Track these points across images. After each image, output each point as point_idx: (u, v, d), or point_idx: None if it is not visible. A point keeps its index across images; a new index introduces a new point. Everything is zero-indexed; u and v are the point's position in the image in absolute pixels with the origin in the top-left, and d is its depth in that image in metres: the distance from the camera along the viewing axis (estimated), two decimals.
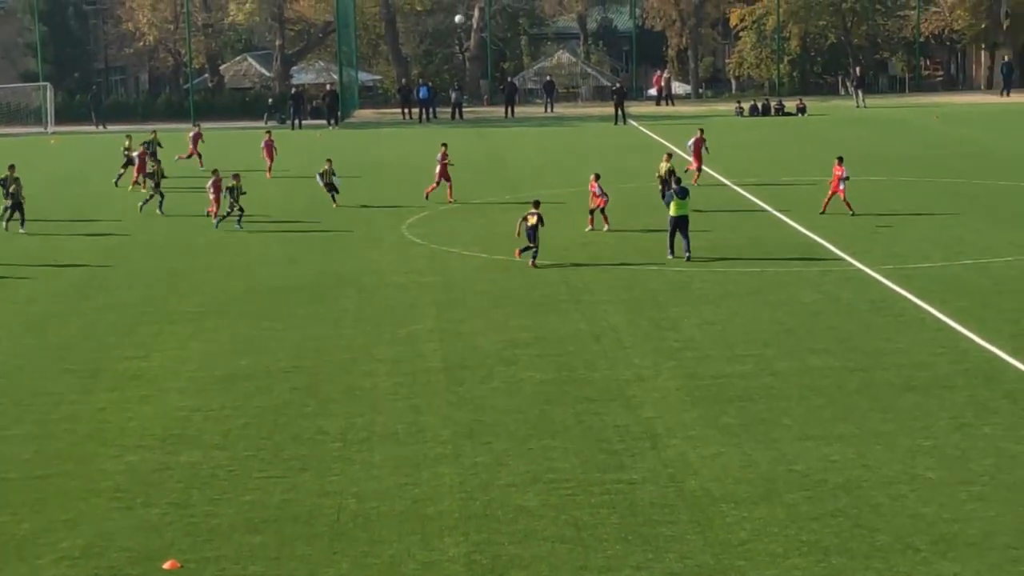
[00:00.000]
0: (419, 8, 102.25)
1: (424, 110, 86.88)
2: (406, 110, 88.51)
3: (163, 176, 49.39)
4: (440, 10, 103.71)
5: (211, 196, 46.29)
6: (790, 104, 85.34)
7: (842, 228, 41.78)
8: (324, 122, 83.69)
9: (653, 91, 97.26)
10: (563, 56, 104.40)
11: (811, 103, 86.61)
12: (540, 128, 79.49)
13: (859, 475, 20.84)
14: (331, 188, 48.56)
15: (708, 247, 38.37)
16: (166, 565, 18.27)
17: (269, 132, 61.35)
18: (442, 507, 20.08)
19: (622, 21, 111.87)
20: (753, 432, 22.98)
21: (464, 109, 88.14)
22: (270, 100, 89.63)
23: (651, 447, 22.41)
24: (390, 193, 52.02)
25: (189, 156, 61.14)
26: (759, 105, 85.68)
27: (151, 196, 48.61)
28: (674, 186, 38.46)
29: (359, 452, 22.64)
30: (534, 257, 37.33)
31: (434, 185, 48.86)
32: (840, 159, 44.15)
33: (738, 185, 51.16)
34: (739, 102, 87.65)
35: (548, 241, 40.32)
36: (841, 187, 43.44)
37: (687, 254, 37.17)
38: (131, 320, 32.73)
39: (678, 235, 37.53)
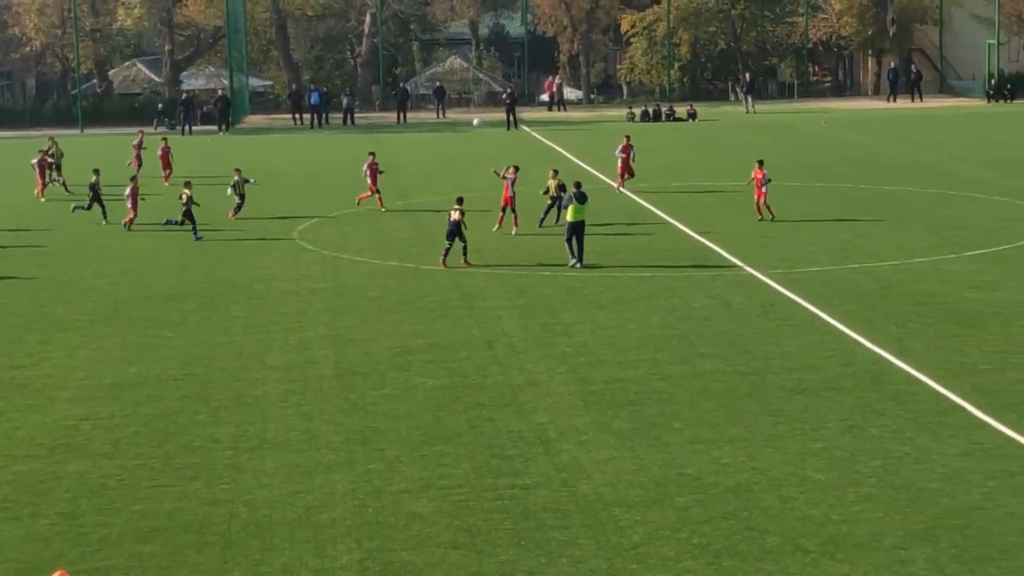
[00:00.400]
0: (310, 13, 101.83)
1: (316, 116, 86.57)
2: (297, 116, 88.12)
3: (59, 181, 48.51)
4: (331, 15, 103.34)
5: (128, 205, 45.61)
6: (681, 110, 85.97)
7: (732, 233, 42.13)
8: (215, 128, 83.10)
9: (545, 97, 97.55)
10: (455, 62, 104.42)
11: (702, 109, 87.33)
12: (432, 134, 79.49)
13: (749, 478, 21.01)
14: (242, 199, 47.44)
15: (600, 252, 38.52)
16: None
17: (165, 139, 60.43)
18: (335, 514, 19.99)
19: (514, 27, 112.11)
20: (645, 436, 23.10)
21: (356, 115, 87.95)
22: (160, 106, 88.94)
23: (544, 452, 22.45)
24: (282, 199, 51.75)
25: (139, 164, 59.04)
26: (650, 111, 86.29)
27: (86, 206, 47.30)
28: (573, 190, 38.09)
29: (251, 460, 22.50)
30: (464, 255, 37.82)
31: (367, 194, 48.21)
32: (760, 162, 44.49)
33: (630, 190, 51.40)
34: (630, 108, 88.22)
35: (439, 249, 40.32)
36: (763, 190, 43.64)
37: (580, 262, 37.00)
38: (18, 329, 32.30)
39: (574, 241, 37.35)
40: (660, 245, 40.66)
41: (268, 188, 54.56)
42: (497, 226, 42.86)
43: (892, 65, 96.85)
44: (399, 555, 18.47)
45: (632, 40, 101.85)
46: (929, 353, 27.74)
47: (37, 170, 53.52)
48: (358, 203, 48.76)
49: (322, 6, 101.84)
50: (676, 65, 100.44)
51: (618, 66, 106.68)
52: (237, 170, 48.39)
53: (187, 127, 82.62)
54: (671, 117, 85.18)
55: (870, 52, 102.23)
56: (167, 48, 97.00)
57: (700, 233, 42.14)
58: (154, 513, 20.23)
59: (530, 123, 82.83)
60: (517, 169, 43.59)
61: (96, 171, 47.74)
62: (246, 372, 27.90)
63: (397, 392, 26.12)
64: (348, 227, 45.44)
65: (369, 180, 48.47)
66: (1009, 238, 40.14)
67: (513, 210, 42.78)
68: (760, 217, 43.76)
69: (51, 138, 59.17)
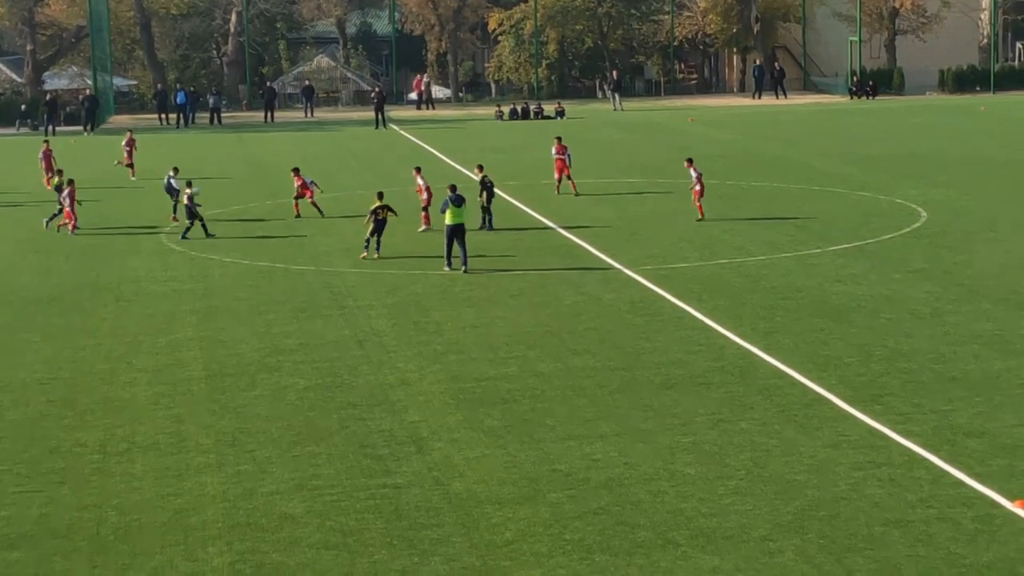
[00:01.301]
0: (175, 12, 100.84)
1: (182, 115, 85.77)
2: (163, 115, 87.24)
3: None
4: (196, 14, 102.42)
5: (67, 207, 44.56)
6: (549, 108, 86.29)
7: (601, 230, 42.37)
8: (79, 128, 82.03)
9: (414, 95, 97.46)
10: (323, 60, 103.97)
11: (570, 106, 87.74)
12: (300, 133, 79.08)
13: (620, 473, 21.15)
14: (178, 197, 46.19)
15: (471, 250, 38.45)
16: None
17: (47, 141, 58.25)
18: (205, 517, 19.83)
19: (381, 26, 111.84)
20: (517, 433, 23.17)
21: (223, 114, 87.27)
22: (23, 106, 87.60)
23: (416, 451, 22.44)
24: (149, 200, 51.17)
25: (129, 164, 57.56)
26: (519, 109, 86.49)
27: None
28: (450, 193, 37.13)
29: (119, 463, 22.25)
30: (377, 248, 38.43)
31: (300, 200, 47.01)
32: (690, 160, 44.71)
33: (499, 189, 51.44)
34: (499, 106, 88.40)
35: (309, 249, 40.26)
36: (697, 188, 43.63)
37: (463, 267, 36.19)
38: None
39: (455, 245, 36.38)
40: (530, 242, 40.78)
41: (135, 188, 53.94)
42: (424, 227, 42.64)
43: (757, 63, 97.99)
44: (271, 556, 18.36)
45: (500, 38, 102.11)
46: (796, 347, 28.10)
47: None
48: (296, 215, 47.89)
49: (187, 4, 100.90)
50: (544, 63, 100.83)
51: (486, 64, 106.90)
52: (174, 168, 47.90)
53: (50, 127, 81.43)
54: (539, 115, 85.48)
55: (735, 50, 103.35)
56: (29, 48, 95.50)
57: (569, 230, 42.33)
58: (20, 519, 19.93)
59: (399, 122, 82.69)
60: (419, 170, 43.43)
61: None
62: (114, 375, 27.58)
63: (268, 393, 25.96)
64: (217, 227, 45.03)
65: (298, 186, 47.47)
66: (872, 232, 40.77)
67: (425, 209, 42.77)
68: (700, 218, 43.39)
69: None
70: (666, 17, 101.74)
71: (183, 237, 42.42)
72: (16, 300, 34.74)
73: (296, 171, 46.74)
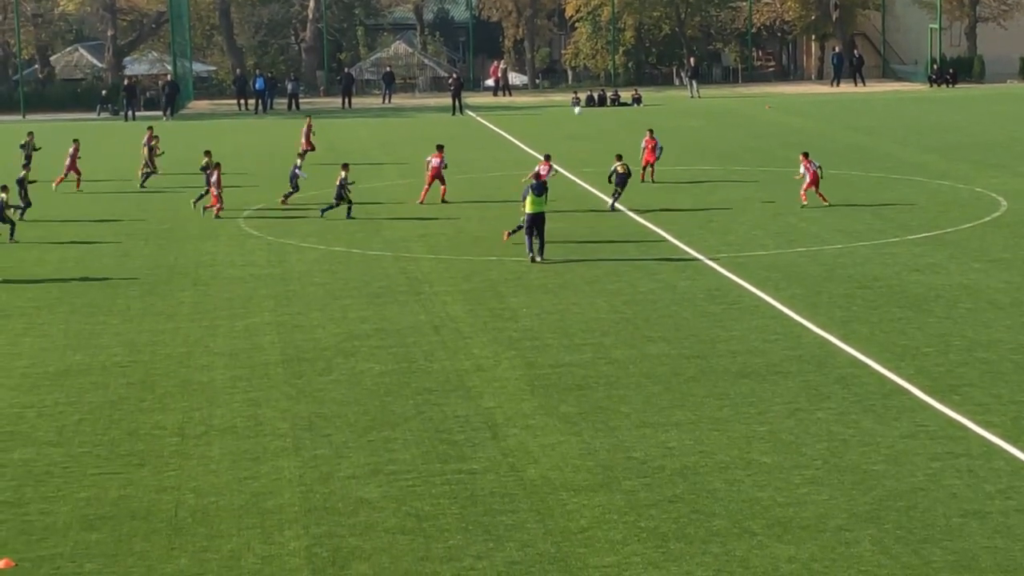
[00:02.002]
0: None
1: (260, 101, 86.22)
2: (242, 101, 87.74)
3: (30, 182, 46.86)
4: (275, 0, 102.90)
5: (214, 190, 45.06)
6: (626, 95, 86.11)
7: (678, 218, 42.27)
8: (158, 113, 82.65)
9: (490, 82, 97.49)
10: (400, 47, 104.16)
11: (646, 93, 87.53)
12: (377, 119, 79.33)
13: (696, 461, 21.10)
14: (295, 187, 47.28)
15: (547, 237, 38.46)
16: (0, 564, 17.94)
17: (151, 128, 57.84)
18: (282, 500, 19.96)
19: (458, 12, 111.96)
20: (592, 420, 23.16)
21: (301, 100, 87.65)
22: (103, 91, 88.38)
23: (491, 437, 22.47)
24: (227, 185, 51.40)
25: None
26: (595, 96, 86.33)
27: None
28: (532, 180, 37.19)
29: (197, 447, 22.43)
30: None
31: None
32: (806, 154, 44.64)
33: (575, 175, 51.45)
34: (576, 93, 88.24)
35: (385, 234, 40.48)
36: (811, 178, 43.59)
37: (540, 256, 35.81)
38: None
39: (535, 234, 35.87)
40: (606, 230, 40.72)
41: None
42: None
43: (835, 50, 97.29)
44: (347, 541, 18.45)
45: (577, 25, 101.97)
46: (873, 336, 27.92)
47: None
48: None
49: None
50: (621, 50, 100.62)
51: (563, 51, 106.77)
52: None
53: (130, 112, 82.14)
54: (616, 102, 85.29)
55: (813, 37, 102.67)
56: (109, 33, 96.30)
57: (645, 217, 42.24)
58: (100, 501, 20.14)
59: (476, 108, 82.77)
60: (548, 158, 43.56)
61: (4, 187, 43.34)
62: (192, 359, 27.80)
63: (344, 378, 26.08)
64: (293, 213, 45.30)
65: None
66: (951, 222, 40.43)
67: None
68: (803, 204, 43.52)
69: (30, 133, 56.53)
70: (744, 4, 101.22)
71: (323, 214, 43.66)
72: (96, 283, 35.06)
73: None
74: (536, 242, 36.00)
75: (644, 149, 49.61)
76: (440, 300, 32.22)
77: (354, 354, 27.73)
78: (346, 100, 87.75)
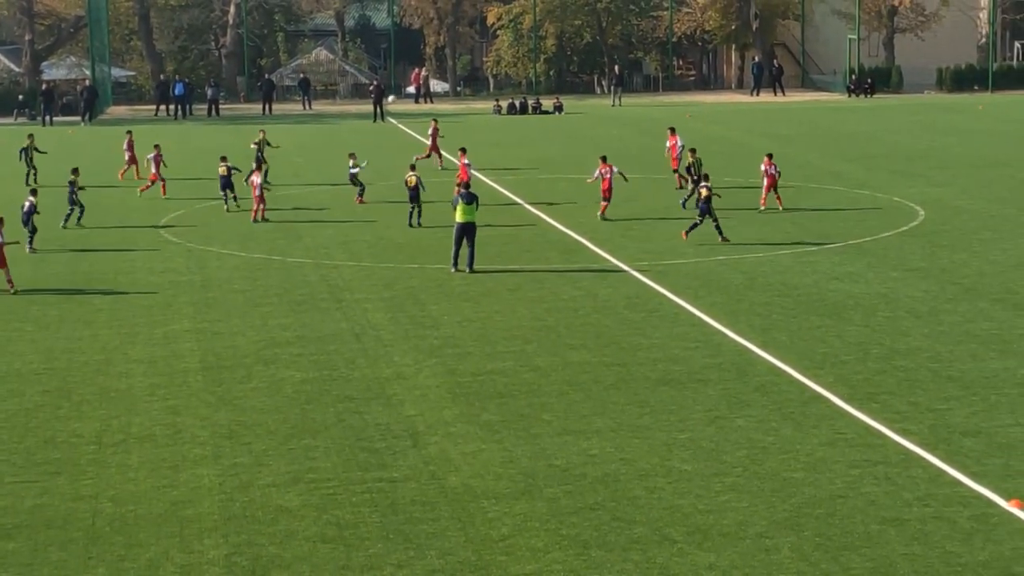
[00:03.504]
0: (173, 2, 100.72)
1: (180, 107, 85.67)
2: (163, 106, 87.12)
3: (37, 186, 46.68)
4: (195, 5, 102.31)
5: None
6: (547, 102, 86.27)
7: (598, 226, 42.36)
8: (76, 118, 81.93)
9: (412, 89, 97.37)
10: (321, 53, 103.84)
11: (568, 101, 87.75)
12: (298, 125, 79.01)
13: (617, 469, 21.13)
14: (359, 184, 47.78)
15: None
16: None
17: (130, 132, 57.15)
18: (201, 509, 19.80)
19: (380, 19, 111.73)
20: (514, 428, 23.15)
21: (221, 106, 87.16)
22: (20, 96, 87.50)
23: (412, 445, 22.41)
24: (145, 191, 51.04)
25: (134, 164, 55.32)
26: (517, 103, 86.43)
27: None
28: (461, 189, 36.48)
29: (115, 455, 22.22)
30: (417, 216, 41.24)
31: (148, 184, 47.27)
32: (770, 155, 45.18)
33: (497, 183, 51.45)
34: (498, 100, 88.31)
35: (306, 241, 40.33)
36: (770, 182, 44.36)
37: (469, 268, 35.38)
38: None
39: (464, 245, 35.46)
40: (527, 237, 40.75)
41: (129, 179, 53.82)
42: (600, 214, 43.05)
43: (755, 59, 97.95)
44: (267, 549, 18.34)
45: (498, 33, 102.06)
46: (793, 344, 28.09)
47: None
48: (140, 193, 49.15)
49: None
50: (542, 58, 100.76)
51: (484, 59, 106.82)
52: (351, 154, 49.08)
53: (47, 117, 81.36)
54: (538, 110, 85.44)
55: (734, 46, 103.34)
56: (27, 37, 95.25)
57: (567, 226, 42.31)
58: (15, 510, 19.90)
59: (397, 115, 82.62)
60: (605, 159, 43.56)
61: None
62: (110, 366, 27.55)
63: (264, 386, 25.93)
64: (213, 219, 45.03)
65: (153, 169, 49.50)
66: (869, 231, 40.76)
67: (608, 198, 43.02)
68: (762, 209, 44.26)
69: (30, 136, 55.49)
70: (665, 13, 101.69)
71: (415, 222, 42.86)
72: (8, 291, 34.65)
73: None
74: (465, 252, 35.54)
75: (669, 150, 49.39)
76: (361, 307, 32.12)
77: (274, 362, 27.58)
78: (267, 106, 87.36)
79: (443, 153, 55.92)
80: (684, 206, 44.35)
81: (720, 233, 38.64)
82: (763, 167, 44.75)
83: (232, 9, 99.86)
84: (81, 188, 44.28)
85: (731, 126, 73.97)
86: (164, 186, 49.84)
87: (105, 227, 43.80)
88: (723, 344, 28.32)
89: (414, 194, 42.38)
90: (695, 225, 38.91)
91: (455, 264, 35.64)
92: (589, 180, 43.91)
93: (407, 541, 18.51)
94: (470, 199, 35.80)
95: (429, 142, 56.17)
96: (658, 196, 48.10)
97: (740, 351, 27.74)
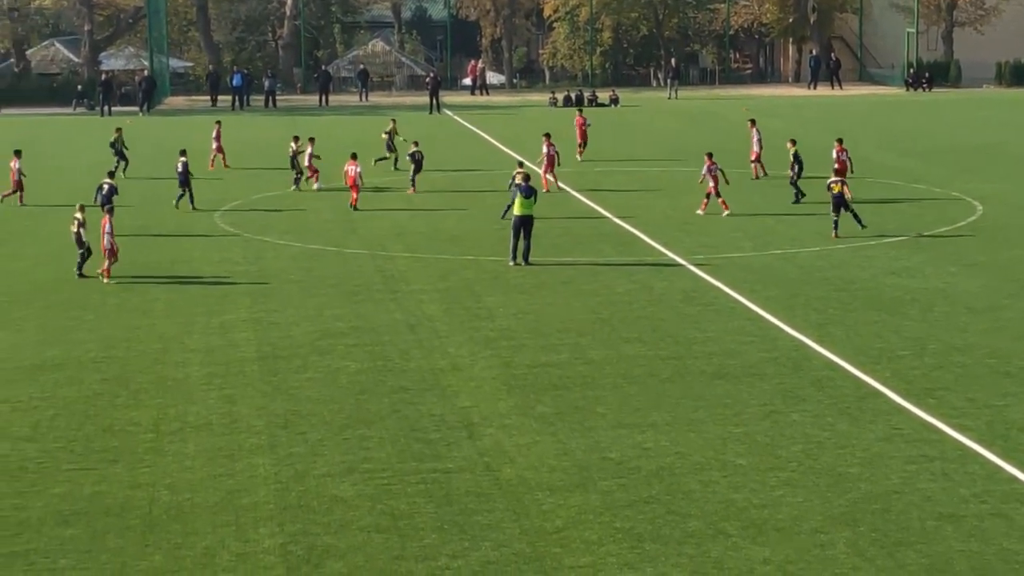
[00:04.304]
0: None
1: (237, 97, 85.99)
2: (214, 97, 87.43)
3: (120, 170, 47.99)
4: None
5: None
6: (603, 95, 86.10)
7: (654, 219, 42.30)
8: (134, 109, 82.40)
9: (468, 81, 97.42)
10: (377, 45, 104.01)
11: (624, 94, 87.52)
12: (354, 117, 79.17)
13: (672, 462, 21.11)
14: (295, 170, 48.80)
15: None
16: None
17: (219, 122, 57.96)
18: (257, 498, 19.91)
19: (436, 10, 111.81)
20: (568, 420, 23.15)
21: (277, 97, 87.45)
22: (79, 86, 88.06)
23: (467, 436, 22.45)
24: (203, 181, 51.28)
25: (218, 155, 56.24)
26: (573, 96, 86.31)
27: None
28: (521, 183, 36.10)
29: (172, 443, 22.36)
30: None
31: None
32: (840, 140, 45.57)
33: (551, 175, 51.37)
34: (553, 92, 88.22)
35: (362, 232, 40.47)
36: (840, 167, 44.10)
37: (525, 261, 35.28)
38: None
39: (520, 238, 35.34)
40: (582, 230, 40.72)
41: (219, 168, 54.05)
42: (702, 211, 42.67)
43: (813, 53, 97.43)
44: (321, 539, 18.42)
45: (555, 25, 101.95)
46: (849, 339, 27.97)
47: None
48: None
49: None
50: (598, 51, 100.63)
51: (540, 51, 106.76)
52: (310, 138, 49.85)
53: (106, 108, 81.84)
54: (593, 103, 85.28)
55: (791, 40, 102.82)
56: (86, 28, 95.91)
57: (622, 219, 42.26)
58: (74, 496, 20.06)
59: (453, 107, 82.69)
60: (710, 155, 43.27)
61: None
62: (167, 355, 27.72)
63: (320, 376, 26.03)
64: (270, 210, 45.22)
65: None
66: (927, 225, 40.54)
67: (718, 194, 42.46)
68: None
69: (119, 129, 55.85)
70: (722, 6, 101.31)
71: None
72: (71, 279, 34.92)
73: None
74: (522, 245, 35.51)
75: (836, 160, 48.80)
76: (416, 299, 32.19)
77: (330, 352, 27.68)
78: (323, 98, 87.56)
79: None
80: (798, 200, 44.44)
81: (859, 222, 38.73)
82: (834, 152, 44.81)
83: (289, 0, 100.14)
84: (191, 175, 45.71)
85: (788, 119, 73.62)
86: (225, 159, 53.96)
87: (164, 216, 44.03)
88: (779, 338, 28.23)
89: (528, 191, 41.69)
90: (836, 221, 38.70)
91: (513, 257, 35.60)
92: (701, 181, 43.13)
93: (461, 532, 18.56)
94: (529, 192, 35.76)
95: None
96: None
97: (796, 346, 27.65)
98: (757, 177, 50.11)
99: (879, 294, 31.94)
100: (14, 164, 46.71)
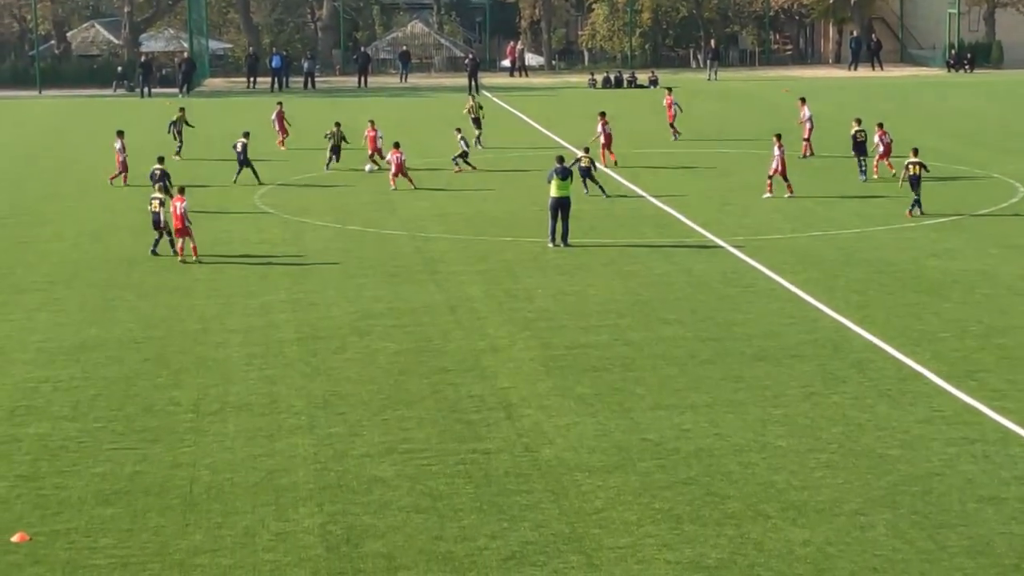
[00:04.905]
0: None
1: (276, 79, 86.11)
2: (252, 79, 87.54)
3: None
4: None
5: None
6: (642, 76, 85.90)
7: (693, 201, 42.19)
8: (174, 90, 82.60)
9: (507, 62, 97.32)
10: (416, 26, 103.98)
11: (663, 75, 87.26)
12: (393, 99, 79.21)
13: (711, 444, 21.07)
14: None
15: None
16: (15, 538, 17.98)
17: (280, 103, 58.30)
18: (296, 478, 19.97)
19: None
20: (607, 401, 23.14)
21: (317, 79, 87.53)
22: (119, 68, 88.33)
23: (506, 417, 22.46)
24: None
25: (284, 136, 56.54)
26: (612, 77, 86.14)
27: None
28: (556, 164, 36.12)
29: (212, 423, 22.44)
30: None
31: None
32: (880, 124, 45.66)
33: (591, 157, 51.27)
34: (592, 74, 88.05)
35: (401, 213, 40.50)
36: (885, 150, 45.01)
37: (564, 242, 35.33)
38: None
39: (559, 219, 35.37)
40: (622, 212, 40.66)
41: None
42: (769, 194, 42.25)
43: (853, 34, 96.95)
44: (361, 519, 18.46)
45: (594, 6, 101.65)
46: (889, 321, 27.86)
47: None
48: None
49: None
50: (637, 32, 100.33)
51: (579, 32, 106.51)
52: (336, 129, 49.72)
53: (146, 89, 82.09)
54: (633, 84, 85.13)
55: (831, 21, 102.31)
56: (126, 10, 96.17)
57: (662, 200, 42.17)
58: (115, 476, 20.16)
59: (492, 89, 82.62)
60: (779, 137, 42.79)
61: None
62: (207, 335, 27.81)
63: (359, 356, 26.08)
64: (309, 191, 45.29)
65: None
66: (968, 207, 40.32)
67: (785, 177, 42.12)
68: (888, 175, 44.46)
69: (181, 109, 55.75)
70: None
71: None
72: (111, 258, 35.08)
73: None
74: (560, 227, 35.51)
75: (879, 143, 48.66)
76: (456, 280, 32.20)
77: (369, 333, 27.72)
78: (362, 79, 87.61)
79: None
80: (864, 177, 44.90)
81: (919, 206, 38.58)
82: (876, 137, 44.72)
83: None
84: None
85: (829, 101, 73.31)
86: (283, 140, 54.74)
87: (204, 196, 44.16)
88: (819, 320, 28.14)
89: (585, 173, 42.03)
90: (916, 202, 38.59)
91: (552, 238, 35.57)
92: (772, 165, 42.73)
93: (501, 512, 18.57)
94: (564, 174, 35.74)
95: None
96: (755, 171, 47.75)
97: (836, 327, 27.56)
98: (806, 156, 50.06)
99: (920, 276, 31.80)
100: (118, 144, 46.94)
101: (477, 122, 54.79)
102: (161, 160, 41.46)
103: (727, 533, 17.82)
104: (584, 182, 41.77)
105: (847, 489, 19.18)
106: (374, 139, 49.09)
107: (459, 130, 49.19)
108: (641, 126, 62.59)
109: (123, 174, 46.78)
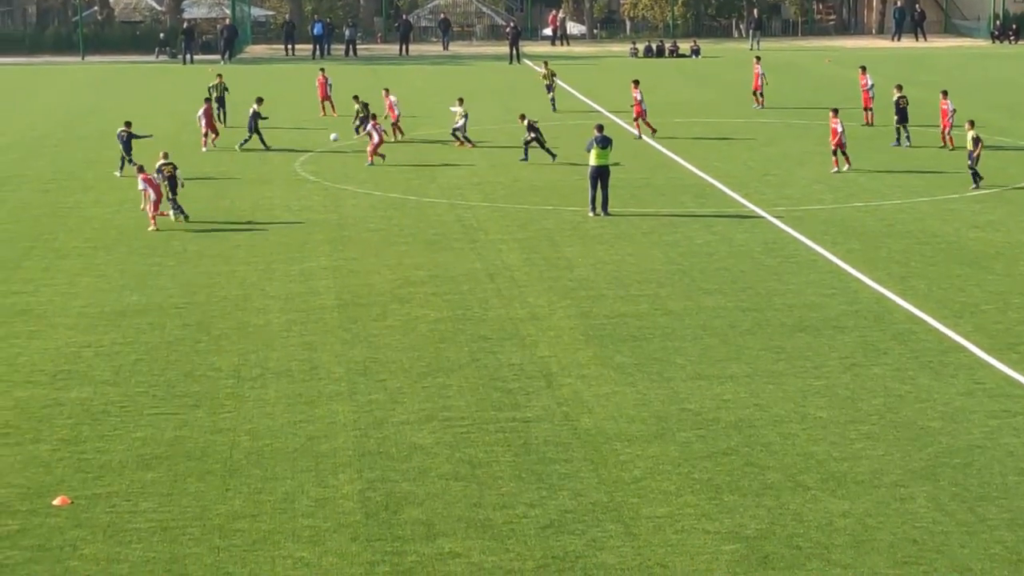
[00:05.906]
0: None
1: (318, 46, 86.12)
2: (290, 46, 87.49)
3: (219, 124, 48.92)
4: None
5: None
6: (684, 46, 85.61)
7: (734, 170, 42.03)
8: (216, 57, 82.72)
9: (548, 31, 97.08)
10: None
11: (705, 45, 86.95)
12: (434, 66, 79.13)
13: (751, 414, 21.03)
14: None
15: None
16: (56, 501, 18.08)
17: (323, 69, 58.56)
18: (336, 444, 20.02)
19: None
20: (647, 371, 23.11)
21: (358, 46, 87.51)
22: (161, 34, 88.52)
23: (546, 385, 22.46)
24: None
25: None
26: (654, 46, 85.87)
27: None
28: (596, 133, 35.89)
29: (252, 389, 22.51)
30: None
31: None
32: (944, 93, 45.14)
33: (632, 126, 51.16)
34: (634, 43, 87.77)
35: (441, 181, 40.51)
36: (949, 121, 44.54)
37: (604, 211, 35.23)
38: (18, 255, 32.30)
39: (599, 188, 35.26)
40: (662, 181, 40.55)
41: (270, 119, 54.29)
42: (835, 168, 41.54)
43: (897, 4, 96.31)
44: (400, 486, 18.49)
45: None
46: (931, 292, 27.72)
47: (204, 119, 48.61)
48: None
49: None
50: (680, 1, 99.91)
51: (621, 1, 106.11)
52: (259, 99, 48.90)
53: (188, 56, 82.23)
54: (674, 53, 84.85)
55: None
56: None
57: (703, 170, 42.04)
58: (155, 440, 20.26)
59: (533, 57, 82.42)
60: (836, 111, 41.98)
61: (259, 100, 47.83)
62: (248, 301, 27.89)
63: (399, 324, 26.10)
64: (349, 159, 45.32)
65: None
66: (1011, 179, 40.06)
67: (843, 151, 41.42)
68: (943, 145, 45.07)
69: (219, 76, 55.32)
70: None
71: None
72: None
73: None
74: (600, 195, 35.43)
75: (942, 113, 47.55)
76: (495, 248, 32.18)
77: (409, 300, 27.75)
78: (403, 47, 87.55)
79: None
80: (900, 143, 45.49)
81: (976, 180, 38.24)
82: (941, 106, 44.53)
83: None
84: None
85: (872, 71, 72.70)
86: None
87: (244, 164, 44.25)
88: (860, 291, 28.02)
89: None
90: (975, 173, 38.27)
91: (592, 207, 35.49)
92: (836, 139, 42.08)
93: (539, 481, 18.58)
94: (605, 143, 35.62)
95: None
96: (797, 141, 47.58)
97: (877, 299, 27.43)
98: (869, 123, 49.79)
99: (962, 248, 31.62)
100: (200, 113, 47.63)
101: (549, 88, 56.42)
102: (259, 101, 42.26)
103: (766, 504, 17.79)
104: (525, 150, 43.33)
105: (887, 461, 19.12)
106: (392, 106, 48.95)
107: (461, 101, 48.25)
108: (681, 95, 62.38)
109: (212, 136, 47.50)
